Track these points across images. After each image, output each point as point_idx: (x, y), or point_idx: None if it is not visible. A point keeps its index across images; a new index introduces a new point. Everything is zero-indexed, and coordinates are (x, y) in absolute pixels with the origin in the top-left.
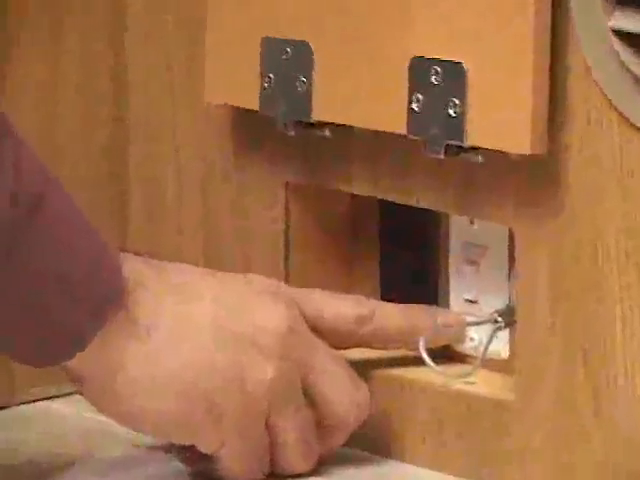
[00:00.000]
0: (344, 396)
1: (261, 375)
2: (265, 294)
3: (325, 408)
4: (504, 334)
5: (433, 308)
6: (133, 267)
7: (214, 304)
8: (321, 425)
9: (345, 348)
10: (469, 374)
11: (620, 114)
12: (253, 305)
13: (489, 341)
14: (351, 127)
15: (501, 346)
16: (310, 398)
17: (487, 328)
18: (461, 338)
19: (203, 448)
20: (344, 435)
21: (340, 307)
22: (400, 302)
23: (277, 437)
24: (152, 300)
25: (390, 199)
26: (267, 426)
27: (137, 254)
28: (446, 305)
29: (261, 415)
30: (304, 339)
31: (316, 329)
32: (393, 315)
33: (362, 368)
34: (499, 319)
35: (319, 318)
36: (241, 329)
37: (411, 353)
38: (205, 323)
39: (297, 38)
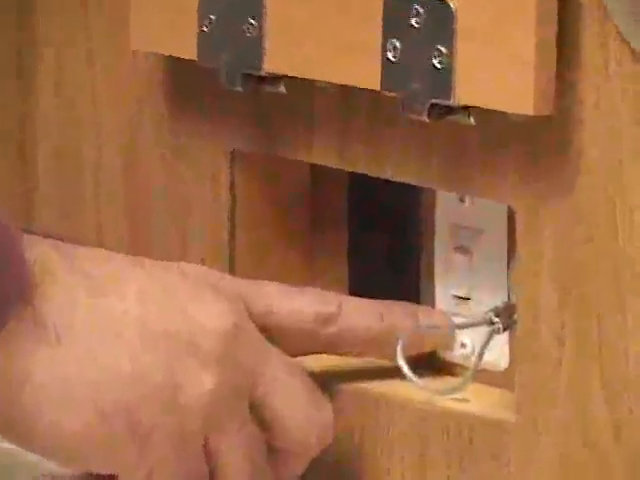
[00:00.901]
0: (300, 412)
1: (197, 385)
2: (203, 287)
3: (277, 426)
4: (502, 339)
5: (414, 306)
6: (40, 253)
7: (139, 299)
8: (273, 449)
9: (304, 354)
10: (459, 389)
11: None
12: (188, 300)
13: (484, 347)
14: (312, 82)
15: (499, 354)
16: (259, 414)
17: (482, 331)
18: (449, 344)
19: (126, 478)
20: (302, 462)
21: (297, 303)
22: (373, 298)
23: (218, 460)
24: (63, 294)
25: (360, 171)
26: (205, 448)
27: (46, 236)
28: (430, 302)
29: (198, 435)
30: (251, 341)
31: (266, 330)
32: (364, 313)
33: (326, 380)
34: (496, 320)
35: (270, 315)
36: (173, 328)
37: (387, 362)
38: (128, 322)
39: None
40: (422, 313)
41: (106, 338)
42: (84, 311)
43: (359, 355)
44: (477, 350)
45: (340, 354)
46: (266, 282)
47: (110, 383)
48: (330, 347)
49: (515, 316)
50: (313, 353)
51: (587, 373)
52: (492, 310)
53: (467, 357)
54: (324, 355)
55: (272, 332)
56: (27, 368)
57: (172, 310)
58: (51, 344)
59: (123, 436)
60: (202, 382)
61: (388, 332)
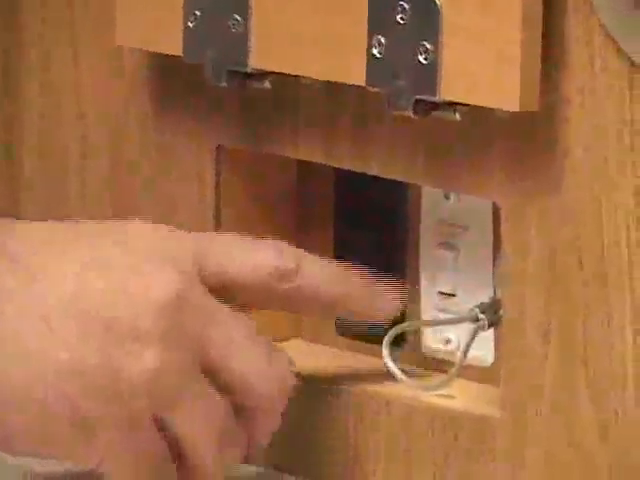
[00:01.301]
0: (256, 368)
1: (137, 367)
2: (147, 256)
3: (238, 385)
4: (488, 335)
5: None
6: None
7: (78, 282)
8: (241, 408)
9: (261, 309)
10: (444, 385)
11: (629, 58)
12: (129, 275)
13: (469, 344)
14: (297, 78)
15: (484, 350)
16: (217, 377)
17: (467, 328)
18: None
19: (80, 466)
20: (271, 418)
21: (253, 257)
22: None
23: (177, 434)
24: None
25: (346, 167)
26: (159, 424)
27: None
28: (416, 298)
29: (145, 416)
30: (197, 307)
31: (222, 286)
32: (323, 274)
33: (313, 379)
34: (481, 316)
35: (225, 274)
36: (111, 314)
37: (373, 359)
38: (63, 308)
39: None
40: (384, 285)
41: (38, 328)
42: (15, 298)
43: (312, 315)
44: (462, 346)
45: (296, 312)
46: (222, 235)
47: (45, 375)
48: (287, 304)
49: (500, 312)
50: (270, 309)
51: (572, 371)
52: (477, 306)
53: (452, 353)
54: (308, 355)
55: (227, 288)
56: None
57: (112, 292)
58: None
59: (66, 427)
60: (143, 362)
61: (344, 296)
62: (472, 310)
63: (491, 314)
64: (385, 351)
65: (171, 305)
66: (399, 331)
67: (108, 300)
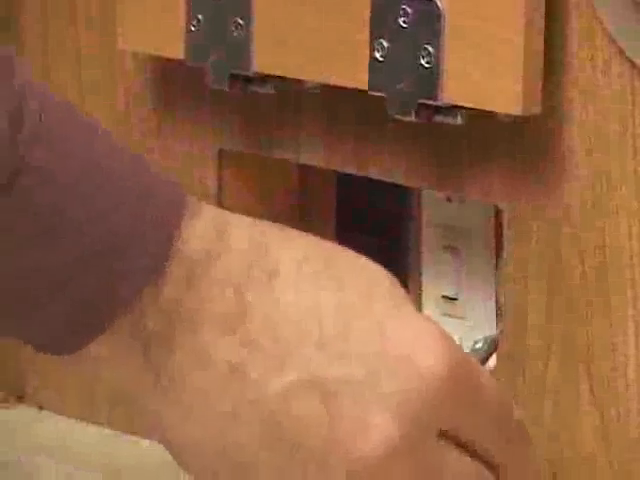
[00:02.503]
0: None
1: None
2: (407, 306)
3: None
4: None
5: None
6: (208, 228)
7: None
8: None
9: None
10: None
11: (631, 61)
12: (385, 315)
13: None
14: (299, 82)
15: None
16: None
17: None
18: None
19: None
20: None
21: None
22: None
23: None
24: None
25: (348, 171)
26: None
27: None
28: (418, 302)
29: None
30: (466, 389)
31: None
32: None
33: None
34: (477, 346)
35: None
36: (359, 369)
37: None
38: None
39: None
40: None
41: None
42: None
43: None
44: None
45: None
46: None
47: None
48: None
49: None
50: None
51: (574, 374)
52: (480, 340)
53: None
54: None
55: None
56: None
57: (368, 330)
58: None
59: None
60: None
61: None
62: (476, 343)
63: (491, 349)
64: None
65: (444, 385)
66: None
67: (363, 339)
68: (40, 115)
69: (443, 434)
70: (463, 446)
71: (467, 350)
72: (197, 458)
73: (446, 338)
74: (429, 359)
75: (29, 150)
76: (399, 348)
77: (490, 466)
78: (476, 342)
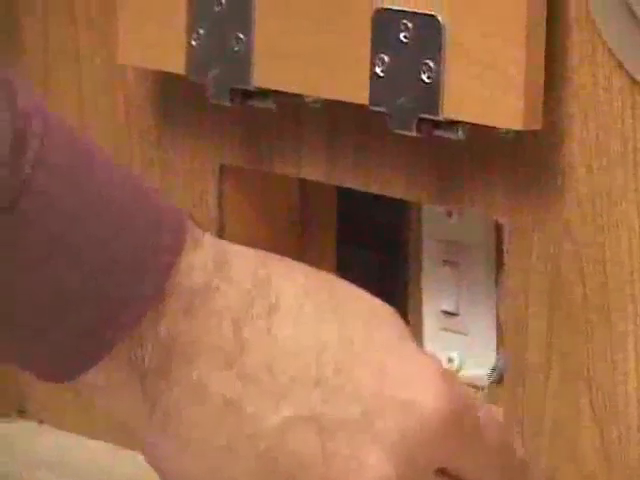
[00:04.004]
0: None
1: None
2: (407, 341)
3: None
4: (490, 355)
5: None
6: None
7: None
8: None
9: None
10: None
11: (631, 77)
12: (385, 353)
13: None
14: (300, 97)
15: (485, 369)
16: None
17: (468, 345)
18: None
19: None
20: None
21: None
22: None
23: None
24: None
25: (348, 186)
26: None
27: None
28: (418, 317)
29: None
30: (464, 431)
31: None
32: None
33: None
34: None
35: None
36: (360, 409)
37: None
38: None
39: None
40: None
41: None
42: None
43: None
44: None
45: None
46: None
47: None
48: None
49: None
50: None
51: (575, 390)
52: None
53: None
54: None
55: None
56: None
57: (366, 367)
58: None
59: None
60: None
61: None
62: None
63: (495, 378)
64: None
65: (444, 423)
66: None
67: (362, 379)
68: (42, 139)
69: (442, 471)
70: None
71: (468, 368)
72: None
73: (446, 376)
74: (428, 398)
75: (32, 174)
76: (398, 387)
77: None
78: (490, 374)
